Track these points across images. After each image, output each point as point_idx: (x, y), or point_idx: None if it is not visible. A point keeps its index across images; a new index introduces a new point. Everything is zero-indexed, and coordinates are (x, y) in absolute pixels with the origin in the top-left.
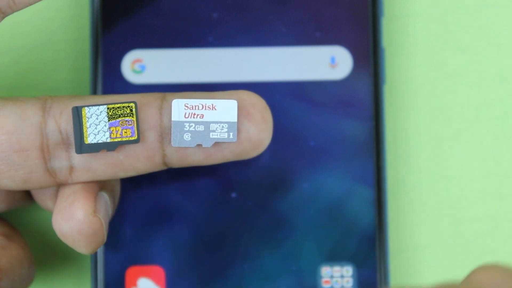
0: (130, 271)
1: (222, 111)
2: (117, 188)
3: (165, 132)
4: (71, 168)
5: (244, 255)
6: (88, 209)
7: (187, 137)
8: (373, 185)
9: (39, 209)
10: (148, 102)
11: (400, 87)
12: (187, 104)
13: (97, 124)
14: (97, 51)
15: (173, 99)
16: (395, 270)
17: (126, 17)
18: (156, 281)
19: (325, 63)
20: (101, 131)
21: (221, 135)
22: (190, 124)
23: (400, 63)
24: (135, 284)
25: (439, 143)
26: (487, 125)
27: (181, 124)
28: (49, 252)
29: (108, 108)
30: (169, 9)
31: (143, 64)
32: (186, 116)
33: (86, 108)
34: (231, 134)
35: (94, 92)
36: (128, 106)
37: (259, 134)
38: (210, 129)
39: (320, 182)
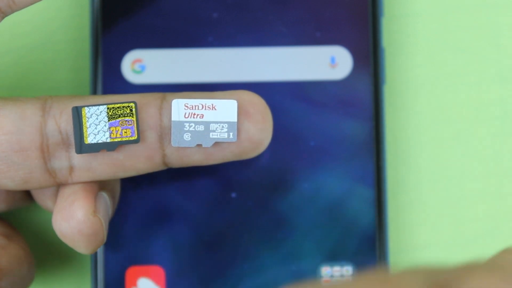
0: (130, 271)
1: (222, 111)
2: (117, 188)
3: (165, 132)
4: (71, 168)
5: (244, 255)
6: (88, 209)
7: (187, 137)
8: (373, 185)
9: (39, 209)
10: (148, 102)
11: (400, 87)
12: (187, 104)
13: (97, 124)
14: (97, 51)
15: (173, 99)
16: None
17: (126, 17)
18: (156, 281)
19: (325, 63)
20: (101, 131)
21: (221, 135)
22: (190, 124)
23: (400, 63)
24: (135, 284)
25: (439, 143)
26: (487, 125)
27: (181, 124)
28: (49, 252)
29: (108, 108)
30: (169, 9)
31: (143, 64)
32: (186, 116)
33: (86, 108)
34: (231, 134)
35: (94, 92)
36: (128, 106)
37: (259, 134)
38: (210, 129)
39: (320, 182)
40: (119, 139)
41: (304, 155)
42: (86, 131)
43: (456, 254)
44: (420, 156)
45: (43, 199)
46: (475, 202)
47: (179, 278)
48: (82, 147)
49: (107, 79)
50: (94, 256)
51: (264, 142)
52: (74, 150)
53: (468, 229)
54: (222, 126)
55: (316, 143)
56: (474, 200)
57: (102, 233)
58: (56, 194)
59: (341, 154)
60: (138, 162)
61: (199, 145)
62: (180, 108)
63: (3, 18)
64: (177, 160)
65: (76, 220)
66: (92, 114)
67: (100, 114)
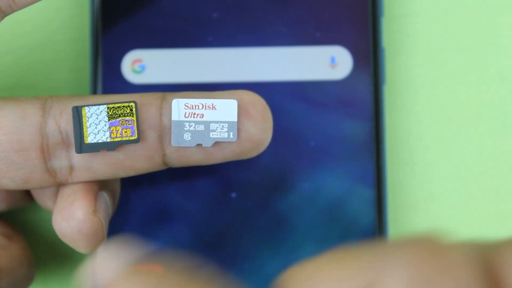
0: None
1: (222, 110)
2: (117, 188)
3: (165, 132)
4: (71, 168)
5: (244, 255)
6: (88, 209)
7: (187, 136)
8: (373, 185)
9: (39, 209)
10: (148, 102)
11: (400, 87)
12: (187, 103)
13: (97, 123)
14: (97, 51)
15: (173, 99)
16: None
17: (126, 17)
18: None
19: (325, 63)
20: (101, 131)
21: (221, 134)
22: (190, 124)
23: (400, 63)
24: None
25: (439, 143)
26: (487, 125)
27: (181, 123)
28: (49, 252)
29: (108, 108)
30: (169, 9)
31: (143, 64)
32: (186, 115)
33: (86, 107)
34: (231, 133)
35: (94, 92)
36: (128, 106)
37: (259, 134)
38: (210, 128)
39: (320, 182)
40: (119, 139)
41: (304, 155)
42: (86, 130)
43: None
44: (420, 156)
45: (43, 199)
46: (475, 202)
47: None
48: (82, 147)
49: (107, 79)
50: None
51: (264, 142)
52: (74, 149)
53: (468, 229)
54: (222, 126)
55: (316, 143)
56: (474, 200)
57: (102, 233)
58: (56, 194)
59: (341, 154)
60: (138, 162)
61: (199, 145)
62: (180, 107)
63: (3, 18)
64: (177, 160)
65: (76, 220)
66: (92, 114)
67: (100, 114)
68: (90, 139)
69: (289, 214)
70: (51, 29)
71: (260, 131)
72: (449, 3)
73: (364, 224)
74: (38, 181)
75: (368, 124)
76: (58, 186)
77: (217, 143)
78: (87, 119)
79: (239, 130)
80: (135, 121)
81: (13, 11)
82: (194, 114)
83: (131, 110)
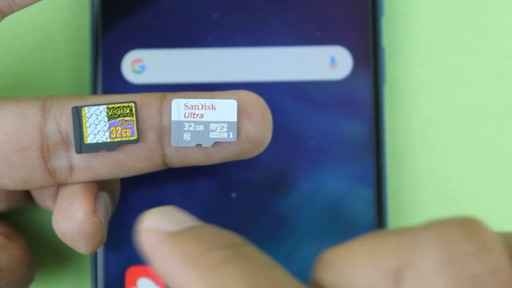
0: (130, 271)
1: (222, 111)
2: (117, 188)
3: (164, 132)
4: (71, 168)
5: None
6: (88, 209)
7: (186, 137)
8: (373, 185)
9: (39, 209)
10: (148, 102)
11: (400, 87)
12: (187, 104)
13: (97, 124)
14: (97, 51)
15: (173, 99)
16: None
17: (126, 17)
18: (156, 281)
19: (325, 63)
20: (101, 131)
21: (221, 135)
22: (190, 124)
23: (400, 63)
24: (135, 284)
25: (439, 143)
26: (487, 125)
27: (181, 124)
28: (49, 252)
29: (108, 108)
30: (169, 9)
31: (143, 64)
32: (186, 116)
33: (86, 108)
34: (231, 134)
35: (94, 92)
36: (128, 106)
37: (259, 134)
38: (210, 129)
39: (320, 182)
40: (119, 139)
41: (304, 155)
42: (86, 131)
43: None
44: (420, 156)
45: (43, 199)
46: (475, 202)
47: None
48: (82, 147)
49: (107, 79)
50: (94, 256)
51: (264, 142)
52: (74, 150)
53: None
54: (222, 126)
55: (316, 143)
56: (474, 200)
57: (102, 233)
58: (56, 194)
59: (341, 154)
60: (138, 162)
61: (199, 145)
62: (180, 108)
63: (3, 18)
64: (177, 160)
65: (76, 220)
66: (92, 114)
67: (100, 114)
68: (90, 139)
69: (289, 214)
70: (51, 29)
71: (260, 131)
72: (449, 3)
73: (364, 224)
74: (38, 181)
75: (368, 124)
76: (58, 186)
77: (217, 143)
78: (87, 119)
79: (239, 130)
80: (134, 121)
81: (13, 11)
82: (194, 114)
83: (131, 110)
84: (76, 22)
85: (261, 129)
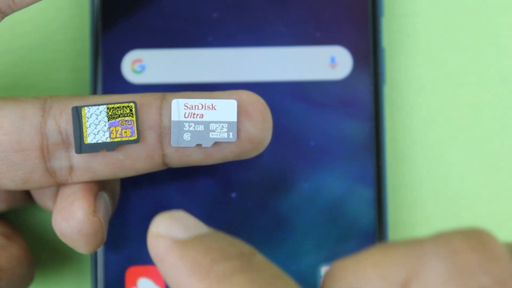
0: (130, 271)
1: (222, 111)
2: (117, 188)
3: (164, 132)
4: (71, 168)
5: None
6: (88, 209)
7: (186, 137)
8: (373, 185)
9: (39, 209)
10: (148, 102)
11: (400, 87)
12: (187, 104)
13: (97, 124)
14: (97, 51)
15: (173, 99)
16: None
17: (126, 17)
18: (156, 281)
19: (325, 63)
20: (100, 131)
21: (220, 135)
22: (190, 124)
23: (400, 63)
24: (135, 284)
25: (439, 143)
26: (487, 125)
27: (180, 124)
28: (49, 252)
29: (107, 108)
30: (169, 9)
31: (143, 64)
32: (186, 116)
33: (85, 108)
34: (230, 134)
35: (94, 92)
36: (128, 106)
37: (259, 134)
38: (210, 129)
39: (320, 182)
40: (119, 139)
41: (304, 155)
42: (86, 131)
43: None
44: (420, 156)
45: (43, 199)
46: (475, 202)
47: None
48: (82, 147)
49: (107, 79)
50: (94, 256)
51: (264, 142)
52: (74, 150)
53: None
54: (222, 126)
55: (316, 143)
56: (474, 200)
57: (102, 233)
58: (56, 194)
59: (341, 154)
60: (138, 162)
61: (199, 145)
62: (180, 108)
63: (3, 18)
64: (177, 160)
65: (76, 220)
66: (92, 114)
67: (100, 114)
68: (89, 139)
69: (289, 214)
70: (51, 29)
71: (260, 131)
72: (449, 3)
73: (364, 224)
74: (38, 181)
75: (368, 124)
76: (58, 186)
77: (216, 143)
78: (87, 119)
79: (238, 130)
80: (134, 121)
81: (13, 11)
82: (194, 114)
83: (131, 110)
84: (76, 22)
85: (261, 129)
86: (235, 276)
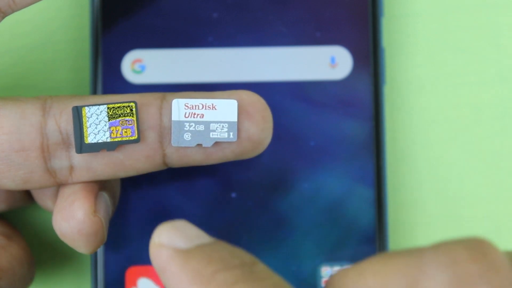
0: (130, 271)
1: (222, 110)
2: (117, 188)
3: (165, 132)
4: (71, 168)
5: None
6: (88, 209)
7: (187, 136)
8: (373, 185)
9: (39, 209)
10: (148, 102)
11: (400, 87)
12: (187, 103)
13: (97, 123)
14: (97, 51)
15: (173, 99)
16: None
17: (126, 17)
18: (156, 281)
19: (325, 63)
20: (101, 131)
21: (221, 134)
22: (190, 124)
23: (400, 63)
24: (135, 284)
25: (439, 143)
26: (487, 125)
27: (181, 123)
28: (49, 252)
29: (108, 108)
30: (169, 9)
31: (143, 64)
32: (186, 115)
33: (86, 107)
34: (231, 133)
35: (94, 92)
36: (128, 106)
37: (259, 134)
38: (210, 128)
39: (320, 182)
40: (119, 139)
41: (304, 155)
42: (86, 130)
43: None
44: (420, 156)
45: (43, 199)
46: (475, 202)
47: None
48: (82, 147)
49: (107, 79)
50: (94, 256)
51: (264, 142)
52: (74, 150)
53: (468, 229)
54: (222, 126)
55: (316, 143)
56: (474, 200)
57: (102, 233)
58: (56, 194)
59: (341, 154)
60: (138, 162)
61: (199, 145)
62: (180, 107)
63: (3, 18)
64: (177, 160)
65: (76, 220)
66: (92, 114)
67: (100, 114)
68: (90, 139)
69: (289, 214)
70: (51, 29)
71: (260, 131)
72: (449, 3)
73: (364, 224)
74: (38, 181)
75: (368, 124)
76: (58, 186)
77: (217, 143)
78: (87, 119)
79: (239, 130)
80: (135, 121)
81: (13, 11)
82: (194, 114)
83: (131, 110)
84: (76, 22)
85: (261, 129)
86: (236, 286)
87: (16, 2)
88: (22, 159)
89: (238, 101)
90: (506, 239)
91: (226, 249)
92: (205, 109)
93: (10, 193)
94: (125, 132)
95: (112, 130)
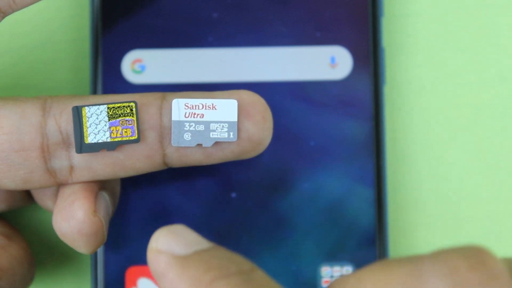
0: (130, 271)
1: (222, 110)
2: (117, 188)
3: (165, 132)
4: (71, 168)
5: (244, 255)
6: (88, 209)
7: (187, 136)
8: (373, 185)
9: (39, 209)
10: (148, 102)
11: (400, 87)
12: (187, 103)
13: (97, 123)
14: (97, 51)
15: (173, 99)
16: None
17: (126, 17)
18: (156, 282)
19: (325, 63)
20: (101, 131)
21: (221, 134)
22: (190, 124)
23: (400, 63)
24: (135, 284)
25: (439, 143)
26: (487, 125)
27: (181, 123)
28: (49, 252)
29: (108, 108)
30: (169, 9)
31: (143, 64)
32: (186, 115)
33: (86, 107)
34: (231, 133)
35: (94, 92)
36: (128, 106)
37: (259, 134)
38: (210, 128)
39: (320, 182)
40: (119, 139)
41: (304, 155)
42: (86, 130)
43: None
44: (420, 156)
45: (43, 199)
46: (475, 202)
47: None
48: (82, 147)
49: (107, 79)
50: (94, 256)
51: (264, 142)
52: (74, 149)
53: (468, 229)
54: (223, 126)
55: (316, 143)
56: (474, 200)
57: (102, 233)
58: (56, 194)
59: (341, 154)
60: (138, 161)
61: (199, 145)
62: (180, 107)
63: (3, 18)
64: (177, 160)
65: (76, 220)
66: (92, 114)
67: (100, 114)
68: (90, 139)
69: (289, 214)
70: (51, 29)
71: (260, 131)
72: (449, 3)
73: (364, 224)
74: (38, 181)
75: (368, 124)
76: (58, 186)
77: (217, 143)
78: (87, 119)
79: (239, 130)
80: (135, 121)
81: (13, 11)
82: (194, 114)
83: (131, 110)
84: (76, 22)
85: (261, 129)
86: None
87: (16, 2)
88: (22, 159)
89: (238, 101)
90: (506, 239)
91: (224, 256)
92: (205, 109)
93: (10, 193)
94: (125, 132)
95: (112, 130)
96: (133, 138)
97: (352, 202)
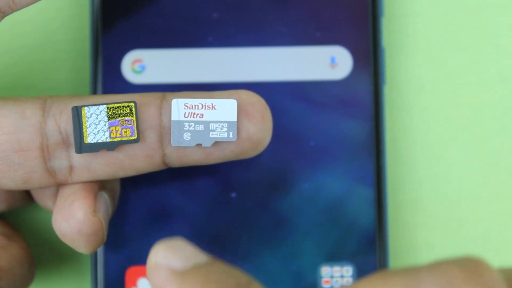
0: (130, 271)
1: (222, 110)
2: (117, 187)
3: (164, 132)
4: (71, 168)
5: (244, 255)
6: (88, 209)
7: (186, 136)
8: (373, 185)
9: (39, 209)
10: (147, 102)
11: (400, 87)
12: (187, 103)
13: (97, 123)
14: (97, 51)
15: (173, 99)
16: None
17: (126, 17)
18: None
19: (325, 63)
20: (100, 131)
21: (220, 134)
22: (190, 124)
23: (400, 63)
24: (135, 284)
25: (439, 143)
26: (487, 125)
27: (180, 123)
28: (49, 252)
29: (107, 108)
30: (169, 9)
31: (143, 64)
32: (186, 115)
33: (85, 107)
34: (230, 133)
35: (94, 92)
36: (128, 106)
37: (259, 134)
38: (210, 128)
39: (320, 182)
40: (119, 139)
41: (304, 155)
42: (86, 130)
43: (456, 254)
44: (420, 156)
45: (43, 199)
46: (475, 202)
47: None
48: (82, 147)
49: (107, 79)
50: (94, 256)
51: (264, 142)
52: (74, 149)
53: (468, 229)
54: (222, 126)
55: (316, 143)
56: (474, 200)
57: (102, 233)
58: (56, 194)
59: (341, 154)
60: (138, 161)
61: (199, 145)
62: (180, 107)
63: (3, 18)
64: (177, 160)
65: (76, 220)
66: (92, 114)
67: (100, 114)
68: (89, 139)
69: (289, 214)
70: (51, 29)
71: (260, 131)
72: (449, 3)
73: (364, 224)
74: (38, 181)
75: (368, 124)
76: (58, 186)
77: (217, 143)
78: (87, 119)
79: (238, 130)
80: (134, 121)
81: (13, 11)
82: (194, 114)
83: (131, 110)
84: (76, 22)
85: (261, 128)
86: None
87: (16, 2)
88: (22, 159)
89: (237, 101)
90: (506, 239)
91: (222, 270)
92: (205, 109)
93: (10, 193)
94: (125, 132)
95: (112, 130)
96: (132, 138)
97: (352, 202)
